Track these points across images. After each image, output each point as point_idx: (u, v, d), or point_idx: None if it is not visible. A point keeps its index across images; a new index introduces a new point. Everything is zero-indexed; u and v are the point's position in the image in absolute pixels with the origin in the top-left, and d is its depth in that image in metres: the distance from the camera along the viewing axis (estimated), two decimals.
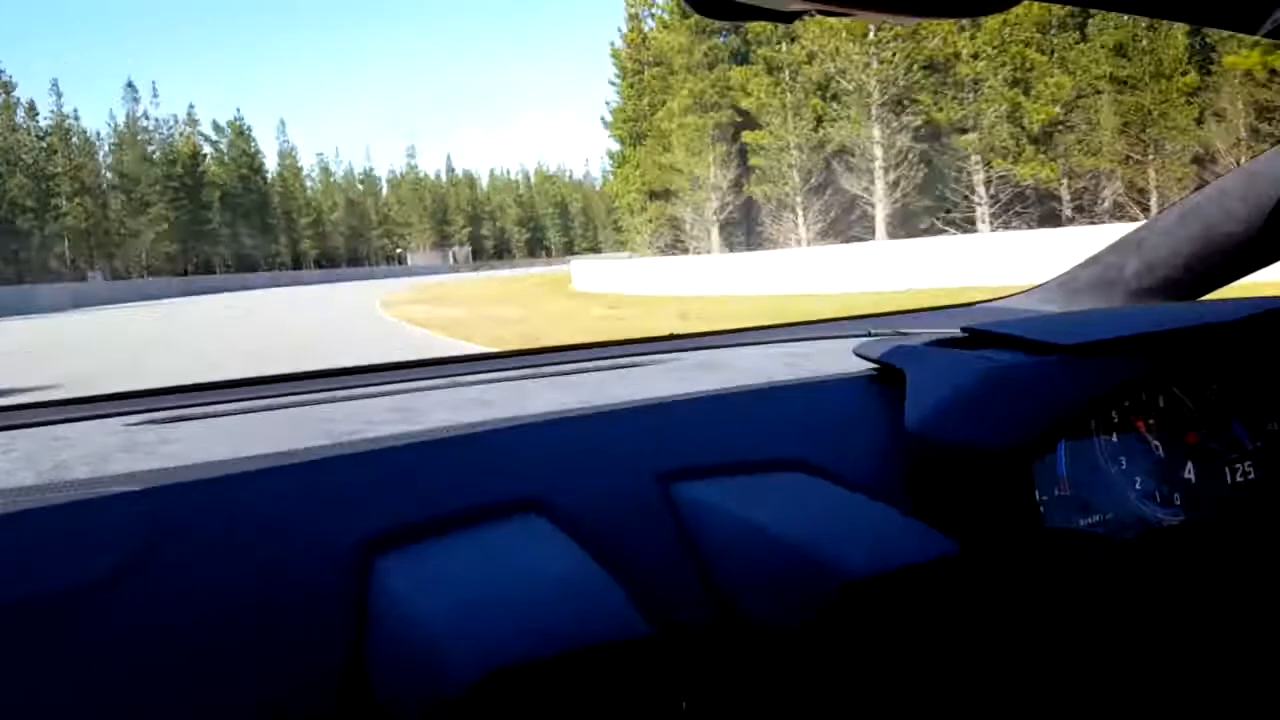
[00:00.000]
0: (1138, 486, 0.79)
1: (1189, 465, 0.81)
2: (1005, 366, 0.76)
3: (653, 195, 33.11)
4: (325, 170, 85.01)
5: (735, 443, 0.79)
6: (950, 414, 0.75)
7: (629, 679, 0.51)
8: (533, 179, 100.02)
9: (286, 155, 75.96)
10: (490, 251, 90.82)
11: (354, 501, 0.65)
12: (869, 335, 1.17)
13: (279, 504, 0.64)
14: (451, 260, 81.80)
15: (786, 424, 0.83)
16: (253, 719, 0.53)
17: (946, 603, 0.61)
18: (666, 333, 1.30)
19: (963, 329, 0.92)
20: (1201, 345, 0.80)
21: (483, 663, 0.47)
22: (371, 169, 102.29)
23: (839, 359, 1.03)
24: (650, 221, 33.22)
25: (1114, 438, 0.79)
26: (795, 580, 0.60)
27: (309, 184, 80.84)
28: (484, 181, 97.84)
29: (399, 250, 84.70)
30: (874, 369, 0.93)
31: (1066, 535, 0.74)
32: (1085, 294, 1.20)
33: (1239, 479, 0.83)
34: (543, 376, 1.03)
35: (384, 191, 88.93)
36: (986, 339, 0.86)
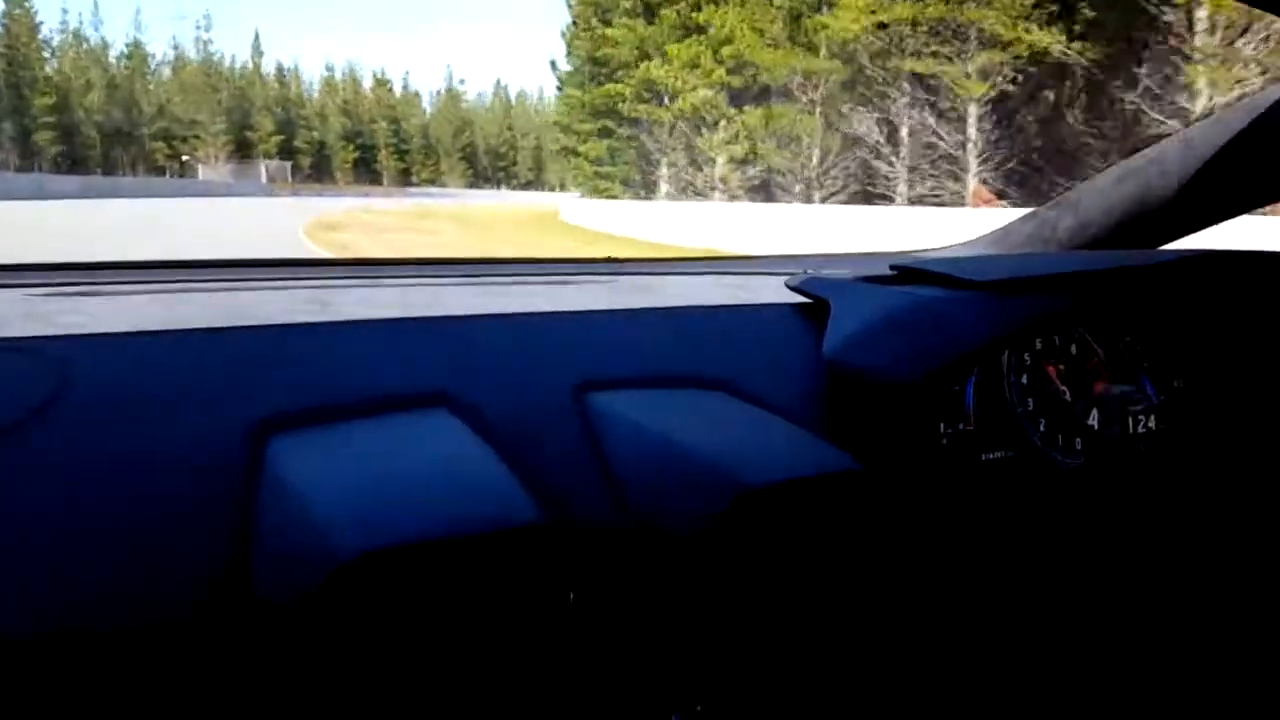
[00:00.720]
0: (1042, 429, 0.81)
1: (1094, 413, 0.83)
2: (921, 299, 0.77)
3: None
4: (77, 36, 64.89)
5: (656, 359, 0.79)
6: (863, 343, 0.76)
7: (515, 566, 0.51)
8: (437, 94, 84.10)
9: (17, 3, 56.68)
10: (306, 171, 72.35)
11: (254, 380, 0.64)
12: (808, 272, 1.18)
13: (177, 377, 0.62)
14: (265, 178, 61.24)
15: (710, 346, 0.83)
16: (128, 584, 0.52)
17: (839, 517, 0.62)
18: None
19: (891, 266, 0.93)
20: (1115, 288, 0.81)
21: (359, 543, 0.47)
22: (139, 41, 72.10)
23: (773, 292, 1.03)
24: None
25: (1024, 379, 0.81)
26: (695, 488, 0.60)
27: (49, 54, 60.49)
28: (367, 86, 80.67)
29: (184, 159, 64.09)
30: (805, 301, 0.93)
31: (966, 466, 0.75)
32: (1020, 248, 1.21)
33: (1140, 430, 0.85)
34: (472, 284, 1.01)
35: (162, 75, 66.67)
36: (913, 276, 0.87)
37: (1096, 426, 0.83)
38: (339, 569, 0.46)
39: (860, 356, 0.74)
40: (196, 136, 65.21)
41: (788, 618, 0.62)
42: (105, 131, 62.83)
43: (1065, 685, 0.81)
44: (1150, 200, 1.06)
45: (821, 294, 0.90)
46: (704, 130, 27.35)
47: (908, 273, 0.89)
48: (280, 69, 78.63)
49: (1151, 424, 0.86)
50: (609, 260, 1.27)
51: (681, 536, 0.58)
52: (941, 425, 0.76)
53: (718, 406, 0.73)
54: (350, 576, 0.46)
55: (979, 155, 19.39)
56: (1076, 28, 17.30)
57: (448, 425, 0.62)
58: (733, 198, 26.32)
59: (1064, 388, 0.82)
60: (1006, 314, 0.73)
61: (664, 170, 29.43)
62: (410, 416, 0.63)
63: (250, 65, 74.48)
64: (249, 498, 0.56)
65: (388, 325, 0.75)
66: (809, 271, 1.19)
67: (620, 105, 29.30)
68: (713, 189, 27.33)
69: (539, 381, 0.71)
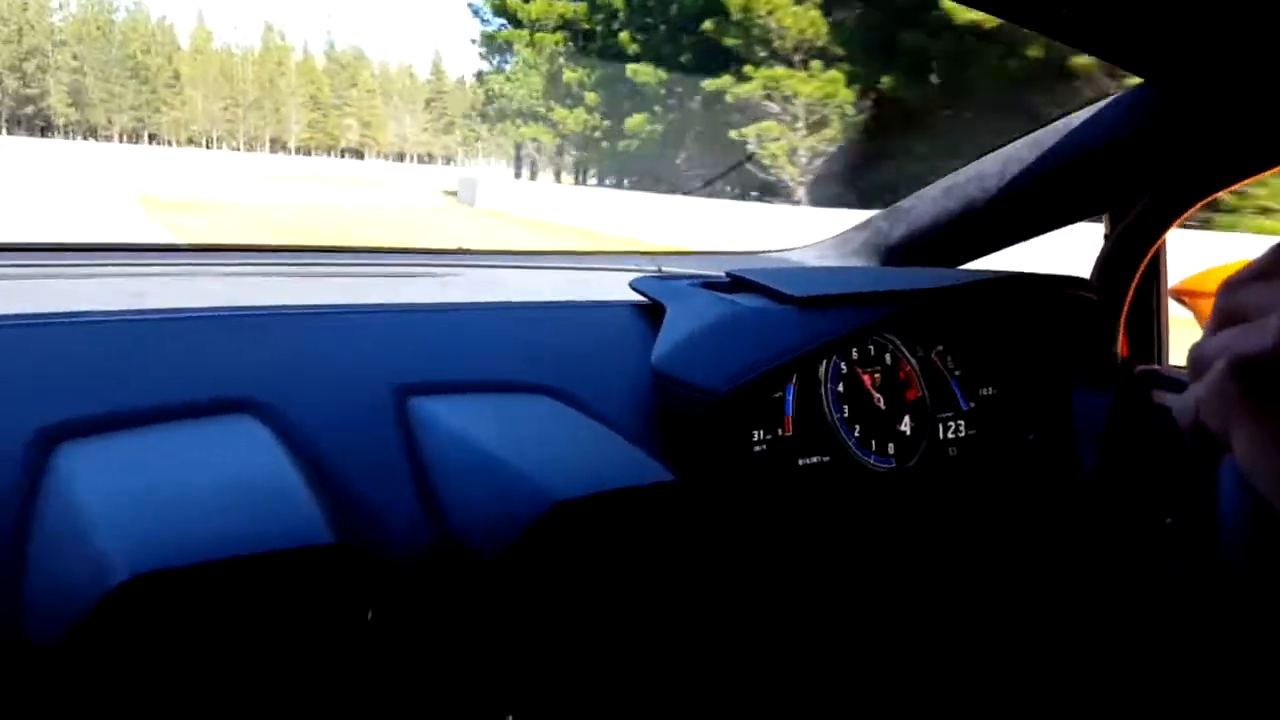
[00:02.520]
0: (857, 434, 0.85)
1: (906, 419, 0.88)
2: (742, 312, 0.80)
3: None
4: None
5: (484, 362, 0.78)
6: (686, 352, 0.78)
7: (304, 587, 0.50)
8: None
9: None
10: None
11: (44, 381, 0.59)
12: (658, 271, 1.19)
13: None
14: None
15: (544, 347, 0.83)
16: None
17: (652, 529, 0.64)
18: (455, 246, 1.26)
19: (726, 273, 0.95)
20: (921, 305, 0.86)
21: (130, 567, 0.45)
22: None
23: (618, 289, 1.04)
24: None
25: (840, 388, 0.84)
26: (508, 501, 0.60)
27: None
28: None
29: None
30: (645, 302, 0.95)
31: (783, 471, 0.79)
32: (856, 254, 1.26)
33: (950, 435, 0.91)
34: (302, 276, 0.98)
35: None
36: (742, 284, 0.90)
37: (909, 432, 0.88)
38: (107, 596, 0.44)
39: (682, 367, 0.76)
40: None
41: (597, 630, 0.64)
42: None
43: (878, 677, 0.86)
44: (972, 214, 1.13)
45: (659, 298, 0.92)
46: None
47: (739, 281, 0.91)
48: None
49: (961, 429, 0.92)
50: (459, 251, 1.25)
51: (489, 553, 0.58)
52: (760, 433, 0.78)
53: (543, 414, 0.73)
54: (121, 604, 0.44)
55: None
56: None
57: (251, 434, 0.60)
58: None
59: (879, 395, 0.87)
60: (818, 328, 0.76)
61: None
62: (213, 424, 0.60)
63: None
64: (26, 517, 0.53)
65: (199, 320, 0.71)
66: (661, 269, 1.21)
67: None
68: None
69: (358, 384, 0.69)
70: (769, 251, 1.45)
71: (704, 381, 0.73)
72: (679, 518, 0.65)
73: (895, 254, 1.21)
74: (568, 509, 0.58)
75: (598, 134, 25.58)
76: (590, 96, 25.06)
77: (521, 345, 0.82)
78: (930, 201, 1.19)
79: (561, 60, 25.99)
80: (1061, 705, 0.93)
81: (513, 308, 0.88)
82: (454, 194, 22.21)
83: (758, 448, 0.78)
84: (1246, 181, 0.97)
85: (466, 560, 0.59)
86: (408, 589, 0.58)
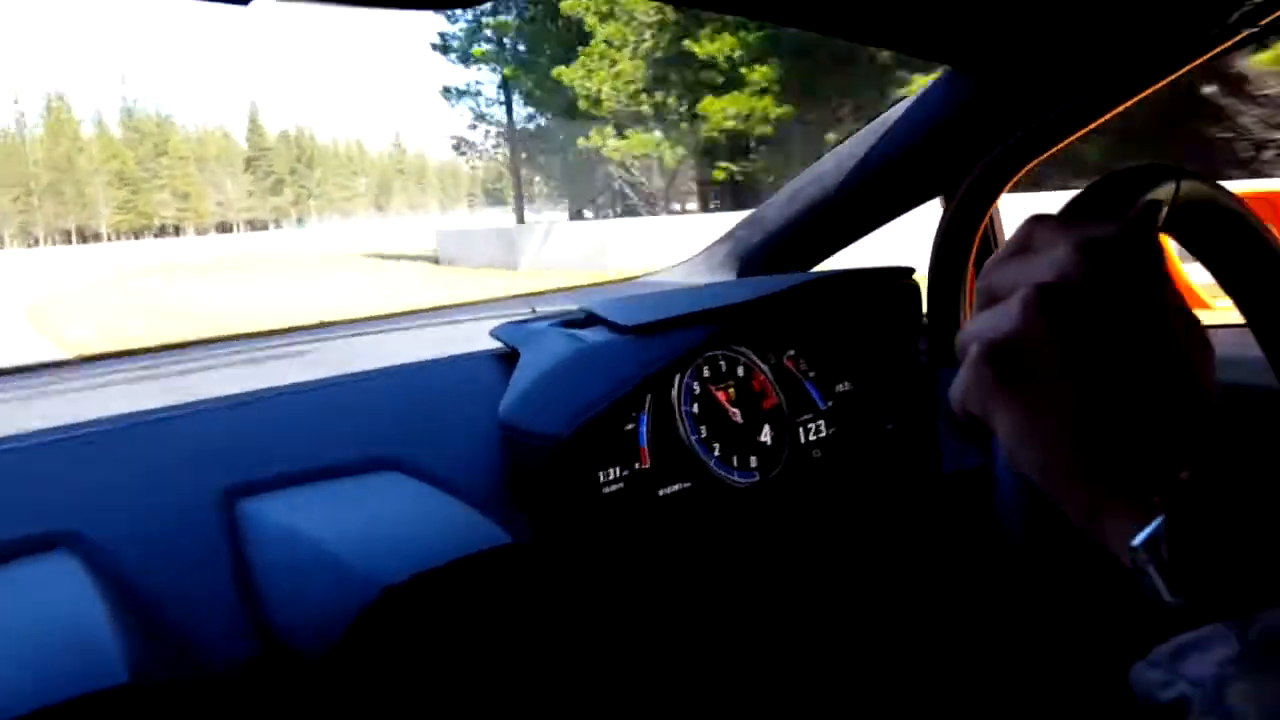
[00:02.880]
0: (717, 453, 0.85)
1: (765, 429, 0.89)
2: (583, 348, 0.80)
3: None
4: None
5: (324, 446, 0.77)
6: (531, 399, 0.78)
7: None
8: None
9: None
10: None
11: None
12: (532, 313, 1.19)
13: None
14: None
15: (390, 418, 0.82)
16: None
17: (495, 596, 0.63)
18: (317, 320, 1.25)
19: (581, 309, 0.96)
20: (756, 315, 0.87)
21: None
22: None
23: (481, 341, 1.03)
24: None
25: (695, 409, 0.85)
26: (332, 596, 0.59)
27: None
28: None
29: None
30: (503, 349, 0.94)
31: (644, 505, 0.79)
32: (723, 267, 1.28)
33: (812, 437, 0.92)
34: (149, 379, 0.95)
35: None
36: (593, 318, 0.90)
37: (770, 441, 0.89)
38: None
39: (524, 415, 0.76)
40: None
41: (447, 712, 0.63)
42: None
43: (761, 695, 0.86)
44: (817, 215, 1.15)
45: (515, 343, 0.91)
46: None
47: (591, 316, 0.92)
48: None
49: (822, 429, 0.93)
50: (319, 325, 1.23)
51: (316, 653, 0.57)
52: (616, 470, 0.79)
53: (384, 493, 0.72)
54: None
55: None
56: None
57: (61, 572, 0.58)
58: None
59: (735, 410, 0.88)
60: (650, 356, 0.77)
61: None
62: (23, 566, 0.58)
63: None
64: None
65: (21, 452, 0.69)
66: (535, 310, 1.21)
67: None
68: None
69: (183, 495, 0.67)
70: (647, 275, 1.47)
71: (544, 428, 0.73)
72: (526, 578, 0.65)
73: (756, 262, 1.23)
74: (399, 593, 0.57)
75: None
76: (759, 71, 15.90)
77: (366, 420, 0.81)
78: (780, 207, 1.21)
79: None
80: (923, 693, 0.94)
81: (363, 379, 0.87)
82: (434, 259, 18.37)
83: (612, 487, 0.78)
84: (1057, 148, 1.00)
85: (292, 664, 0.58)
86: (229, 706, 0.57)
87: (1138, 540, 0.32)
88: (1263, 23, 0.79)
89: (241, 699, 0.58)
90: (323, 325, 1.23)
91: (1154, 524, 0.31)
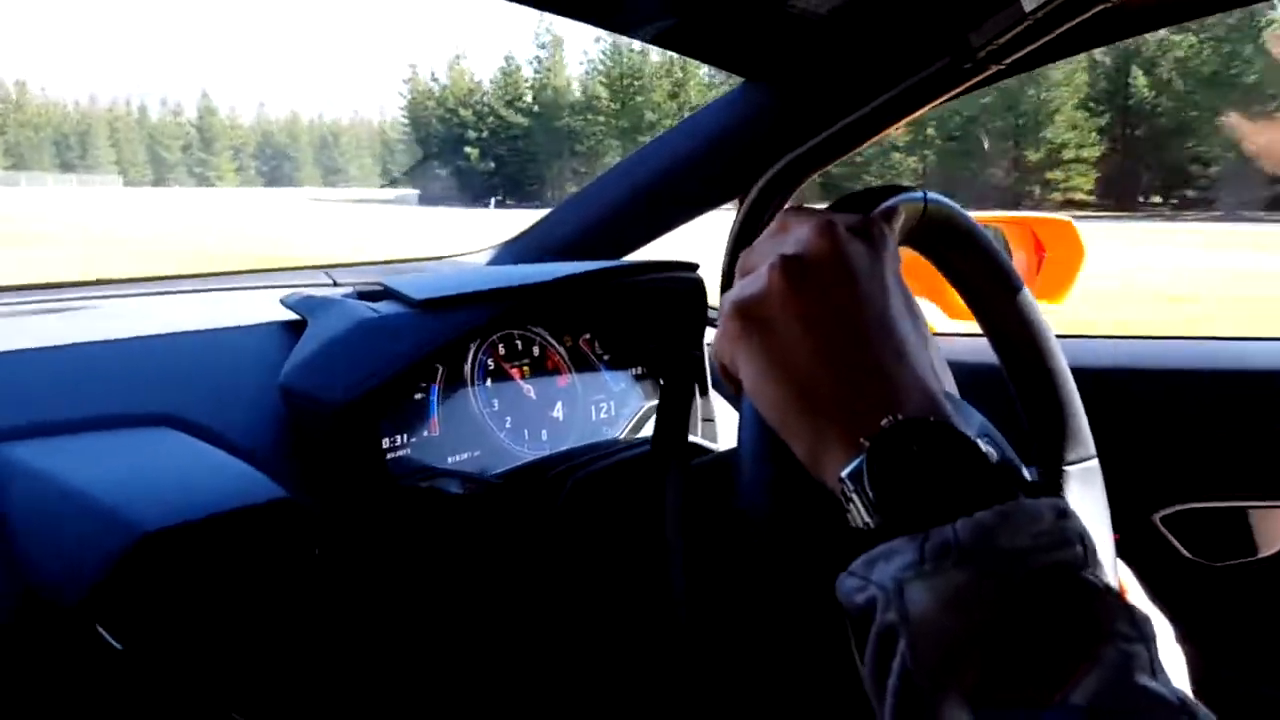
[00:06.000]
0: (508, 425, 0.88)
1: (558, 405, 0.93)
2: (370, 319, 0.80)
3: None
4: None
5: (93, 398, 0.73)
6: (313, 365, 0.77)
7: None
8: None
9: None
10: None
11: None
12: (332, 284, 1.17)
13: None
14: None
15: (168, 377, 0.79)
16: None
17: (267, 551, 0.62)
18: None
19: (379, 283, 0.95)
20: (534, 299, 0.90)
21: None
22: None
23: (272, 311, 1.00)
24: None
25: (488, 383, 0.87)
26: (90, 541, 0.57)
27: None
28: None
29: None
30: (293, 319, 0.92)
31: (424, 476, 0.80)
32: (530, 252, 1.30)
33: (602, 416, 0.96)
34: None
35: None
36: (388, 292, 0.90)
37: (561, 418, 0.92)
38: None
39: (305, 379, 0.75)
40: None
41: (209, 667, 0.61)
42: None
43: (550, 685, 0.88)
44: (621, 209, 1.20)
45: (304, 312, 0.90)
46: None
47: (387, 289, 0.91)
48: None
49: (611, 409, 0.97)
50: (97, 282, 1.15)
51: (71, 598, 0.55)
52: (403, 437, 0.79)
53: (155, 446, 0.69)
54: None
55: None
56: None
57: None
58: None
59: (529, 386, 0.90)
60: (437, 330, 0.78)
61: None
62: None
63: None
64: None
65: None
66: (336, 282, 1.18)
67: None
68: None
69: None
70: (455, 255, 1.46)
71: (324, 393, 0.73)
72: (302, 537, 0.64)
73: (563, 250, 1.26)
74: (159, 539, 0.56)
75: None
76: None
77: (141, 379, 0.77)
78: (591, 198, 1.25)
79: None
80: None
81: (137, 341, 0.83)
82: None
83: (399, 452, 0.78)
84: (840, 159, 1.10)
85: (49, 611, 0.55)
86: None
87: (845, 472, 0.38)
88: (1006, 61, 0.90)
89: (8, 645, 0.55)
90: (98, 283, 1.15)
91: (859, 459, 0.37)
